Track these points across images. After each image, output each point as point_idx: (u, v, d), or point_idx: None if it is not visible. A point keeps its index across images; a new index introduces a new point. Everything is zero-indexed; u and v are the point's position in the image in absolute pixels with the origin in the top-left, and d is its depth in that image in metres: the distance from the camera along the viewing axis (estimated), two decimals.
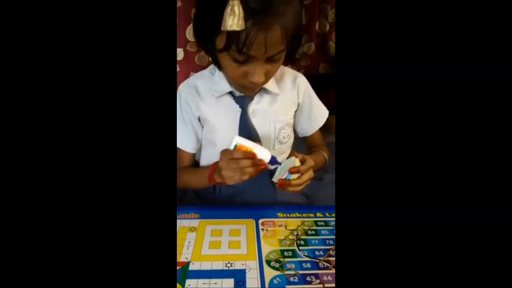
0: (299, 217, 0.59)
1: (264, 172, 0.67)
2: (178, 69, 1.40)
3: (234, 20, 0.41)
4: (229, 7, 0.40)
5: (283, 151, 0.72)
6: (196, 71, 1.46)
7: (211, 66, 0.68)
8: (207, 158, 0.72)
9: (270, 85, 0.65)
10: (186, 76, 1.49)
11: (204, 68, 1.58)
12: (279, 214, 0.60)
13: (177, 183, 0.72)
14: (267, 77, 0.55)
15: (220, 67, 0.58)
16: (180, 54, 1.39)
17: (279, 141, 0.69)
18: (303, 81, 0.72)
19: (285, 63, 0.60)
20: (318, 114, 0.75)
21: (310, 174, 0.56)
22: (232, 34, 0.46)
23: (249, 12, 0.43)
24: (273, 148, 0.69)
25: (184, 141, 0.70)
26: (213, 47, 0.52)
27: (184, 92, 0.68)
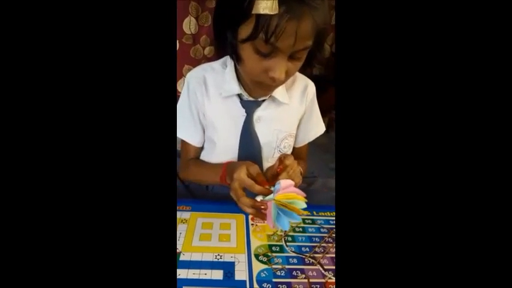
0: None
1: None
2: None
3: (267, 3, 0.38)
4: None
5: None
6: (190, 64, 1.46)
7: (223, 59, 0.65)
8: (206, 154, 0.71)
9: (280, 94, 0.63)
10: (179, 69, 1.48)
11: (198, 62, 1.57)
12: None
13: (184, 175, 0.72)
14: (287, 76, 0.51)
15: (239, 60, 0.53)
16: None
17: (279, 151, 0.68)
18: (312, 90, 0.70)
19: (301, 69, 0.55)
20: (315, 127, 0.73)
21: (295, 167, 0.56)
22: (261, 20, 0.42)
23: None
24: (272, 156, 0.68)
25: (192, 135, 0.68)
26: (235, 36, 0.48)
27: (192, 83, 0.64)
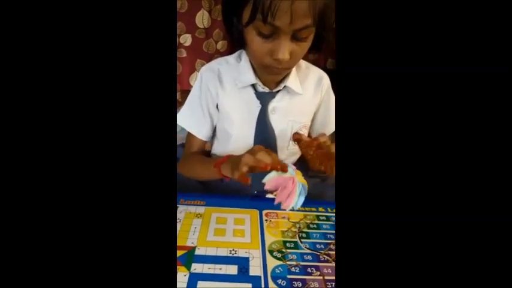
0: (301, 211, 0.60)
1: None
2: (184, 55, 1.40)
3: None
4: None
5: (295, 152, 0.71)
6: (203, 59, 1.46)
7: (238, 53, 0.67)
8: (221, 147, 0.71)
9: (294, 84, 0.64)
10: (192, 63, 1.48)
11: (211, 56, 1.57)
12: None
13: (183, 170, 0.72)
14: (293, 57, 0.53)
15: (245, 46, 0.56)
16: (188, 40, 1.38)
17: (294, 142, 0.68)
18: (327, 82, 0.70)
19: (310, 52, 0.56)
20: (333, 120, 0.72)
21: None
22: (257, 1, 0.46)
23: None
24: (287, 148, 0.68)
25: (199, 127, 0.69)
26: (239, 22, 0.52)
27: (205, 76, 0.66)
